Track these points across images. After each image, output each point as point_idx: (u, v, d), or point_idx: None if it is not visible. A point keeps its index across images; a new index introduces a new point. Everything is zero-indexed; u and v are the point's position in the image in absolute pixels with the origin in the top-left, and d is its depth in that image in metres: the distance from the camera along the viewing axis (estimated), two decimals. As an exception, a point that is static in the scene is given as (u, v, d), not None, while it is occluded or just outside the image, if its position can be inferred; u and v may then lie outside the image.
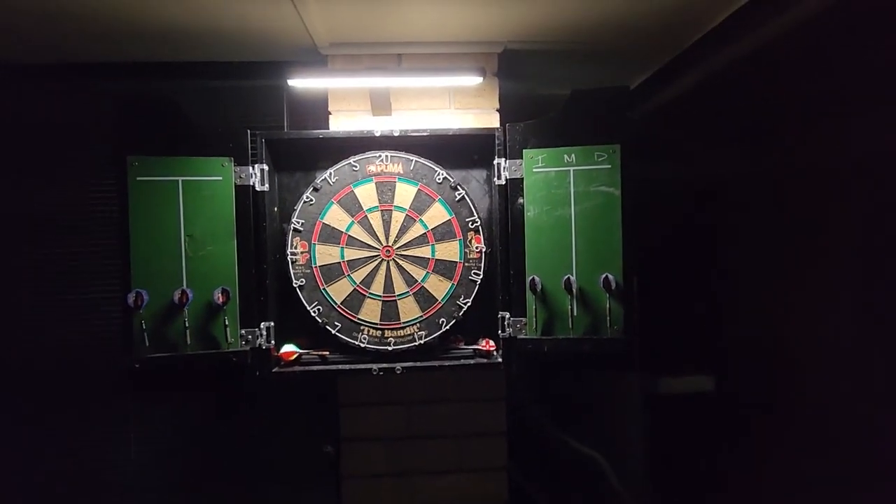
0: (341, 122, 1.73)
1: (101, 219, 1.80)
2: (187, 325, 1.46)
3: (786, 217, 1.66)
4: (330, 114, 1.73)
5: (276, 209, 1.63)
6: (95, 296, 1.81)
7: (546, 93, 2.08)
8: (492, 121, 1.74)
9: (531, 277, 1.54)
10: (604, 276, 1.50)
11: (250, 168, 1.54)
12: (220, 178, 1.52)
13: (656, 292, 2.08)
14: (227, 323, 1.49)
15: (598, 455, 1.99)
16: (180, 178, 1.49)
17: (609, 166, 1.53)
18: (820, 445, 1.54)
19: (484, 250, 1.61)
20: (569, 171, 1.55)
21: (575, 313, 1.52)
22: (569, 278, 1.52)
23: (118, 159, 1.45)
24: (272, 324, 1.57)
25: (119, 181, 1.45)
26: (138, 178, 1.47)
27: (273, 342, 1.57)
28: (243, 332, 1.53)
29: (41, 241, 1.81)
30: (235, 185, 1.52)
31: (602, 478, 2.00)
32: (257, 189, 1.55)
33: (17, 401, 1.82)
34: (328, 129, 1.72)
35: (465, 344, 1.65)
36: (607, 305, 1.50)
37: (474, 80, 1.53)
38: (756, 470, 1.81)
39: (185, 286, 1.48)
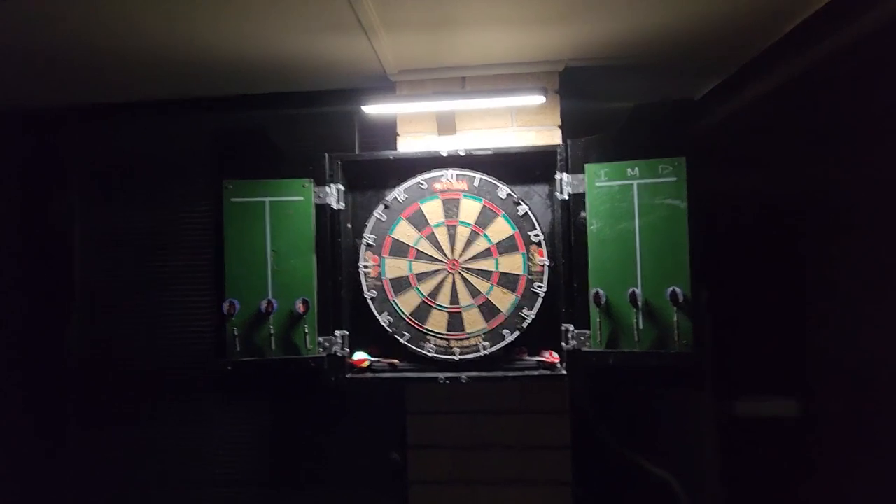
0: (408, 143, 1.84)
1: (199, 236, 2.01)
2: (272, 332, 1.60)
3: (876, 228, 1.57)
4: (398, 135, 1.84)
5: (349, 225, 1.75)
6: (193, 304, 2.02)
7: (608, 107, 2.10)
8: (553, 137, 1.78)
9: (595, 290, 1.55)
10: (671, 289, 1.48)
11: (328, 188, 1.67)
12: (302, 197, 1.66)
13: (733, 308, 2.00)
14: (306, 331, 1.62)
15: (669, 476, 1.93)
16: (267, 199, 1.65)
17: (674, 179, 1.53)
18: None
19: (547, 264, 1.65)
20: (632, 184, 1.56)
21: (641, 326, 1.52)
22: (634, 291, 1.52)
23: (215, 183, 1.63)
24: (346, 332, 1.68)
25: (216, 202, 1.63)
26: (232, 200, 1.64)
27: (347, 349, 1.68)
28: (321, 339, 1.65)
29: (148, 255, 2.06)
30: (315, 204, 1.66)
31: (673, 499, 1.93)
32: (334, 207, 1.68)
33: (119, 398, 2.05)
34: (396, 149, 1.84)
35: (529, 355, 1.68)
36: (675, 319, 1.48)
37: (537, 100, 1.59)
38: (842, 500, 1.69)
39: (270, 296, 1.62)
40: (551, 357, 1.64)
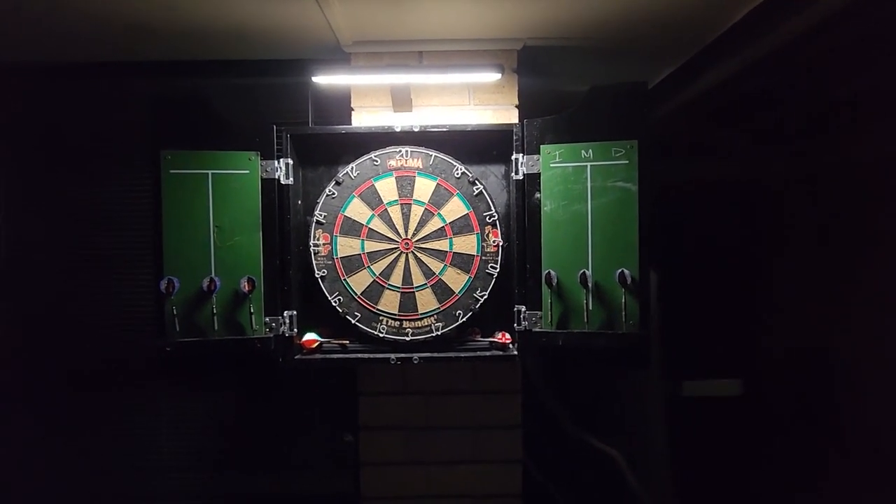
0: (363, 119, 1.78)
1: (135, 210, 1.89)
2: (215, 311, 1.53)
3: (821, 214, 1.63)
4: (352, 110, 1.78)
5: (299, 202, 1.69)
6: (129, 283, 1.90)
7: (565, 89, 2.09)
8: (510, 117, 1.76)
9: (547, 272, 1.56)
10: (619, 271, 1.50)
11: (276, 162, 1.60)
12: (248, 171, 1.58)
13: (681, 290, 2.06)
14: (252, 311, 1.56)
15: (615, 452, 1.99)
16: (210, 172, 1.56)
17: (626, 162, 1.54)
18: (857, 455, 1.51)
19: (501, 244, 1.64)
20: (586, 166, 1.56)
21: (590, 307, 1.54)
22: (584, 273, 1.53)
23: (153, 153, 1.53)
24: (295, 312, 1.62)
25: (153, 174, 1.53)
26: (171, 171, 1.54)
27: (296, 330, 1.63)
28: (267, 319, 1.59)
29: (78, 232, 1.92)
30: (262, 179, 1.59)
31: (619, 475, 2.00)
32: (282, 182, 1.61)
33: (53, 384, 1.92)
34: (350, 125, 1.77)
35: (482, 336, 1.68)
36: (623, 300, 1.51)
37: (493, 77, 1.56)
38: (782, 477, 1.78)
39: (213, 274, 1.54)
40: (503, 338, 1.64)
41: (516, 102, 1.76)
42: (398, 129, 1.63)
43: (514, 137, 1.60)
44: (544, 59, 1.82)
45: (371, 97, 1.77)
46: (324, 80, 1.55)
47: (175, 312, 1.51)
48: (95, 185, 1.91)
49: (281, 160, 1.61)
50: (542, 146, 1.58)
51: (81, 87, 1.90)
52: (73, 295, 1.91)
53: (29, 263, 1.92)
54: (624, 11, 1.55)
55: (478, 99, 1.76)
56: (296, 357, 1.62)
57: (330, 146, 1.69)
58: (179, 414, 1.93)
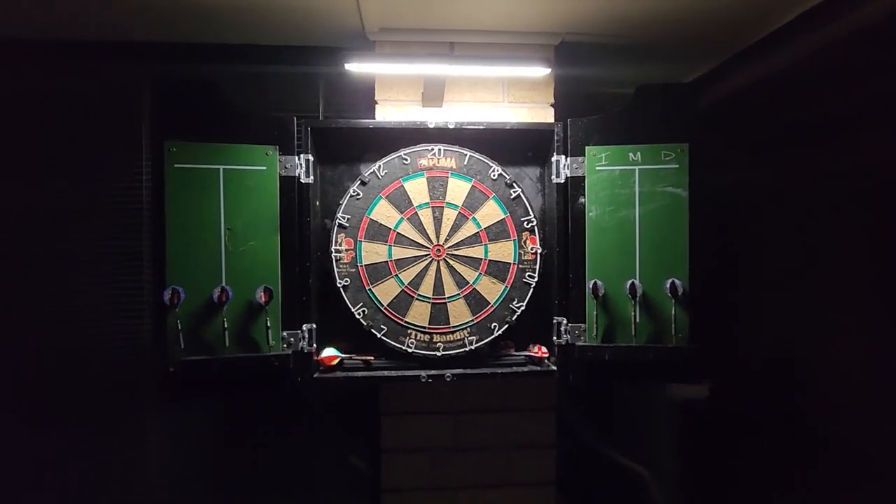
0: (388, 113, 1.63)
1: (135, 209, 1.66)
2: (226, 326, 1.35)
3: (843, 222, 1.59)
4: (376, 103, 1.63)
5: (318, 203, 1.52)
6: (126, 292, 1.67)
7: (601, 90, 2.00)
8: (546, 116, 1.65)
9: (593, 281, 1.46)
10: (670, 281, 1.42)
11: (296, 158, 1.43)
12: (264, 167, 1.41)
13: (720, 300, 1.97)
14: (269, 324, 1.38)
15: (642, 469, 1.91)
16: (221, 167, 1.38)
17: (676, 166, 1.46)
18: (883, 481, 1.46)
19: (540, 252, 1.53)
20: (634, 170, 1.47)
21: (638, 320, 1.44)
22: (633, 283, 1.44)
23: (155, 144, 1.34)
24: (314, 326, 1.46)
25: (155, 168, 1.34)
26: (176, 165, 1.35)
27: (314, 345, 1.46)
28: (285, 334, 1.42)
29: (69, 231, 1.66)
30: (280, 176, 1.42)
31: (645, 493, 1.92)
32: (302, 181, 1.45)
33: (40, 403, 1.66)
34: (374, 118, 1.62)
35: (516, 350, 1.57)
36: (672, 312, 1.42)
37: (540, 71, 1.44)
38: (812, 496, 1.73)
39: (224, 283, 1.36)
40: (540, 352, 1.53)
41: (552, 101, 1.65)
42: (431, 126, 1.49)
43: (556, 137, 1.50)
44: (583, 55, 1.72)
45: (397, 90, 1.62)
46: (356, 67, 1.40)
47: (180, 326, 1.32)
48: (91, 178, 1.66)
49: (301, 156, 1.44)
50: (587, 147, 1.48)
51: (79, 67, 1.64)
52: (59, 303, 1.66)
53: (5, 266, 1.65)
54: (665, 8, 1.47)
55: (512, 96, 1.65)
56: (315, 375, 1.45)
57: (352, 142, 1.53)
58: (182, 439, 1.71)
